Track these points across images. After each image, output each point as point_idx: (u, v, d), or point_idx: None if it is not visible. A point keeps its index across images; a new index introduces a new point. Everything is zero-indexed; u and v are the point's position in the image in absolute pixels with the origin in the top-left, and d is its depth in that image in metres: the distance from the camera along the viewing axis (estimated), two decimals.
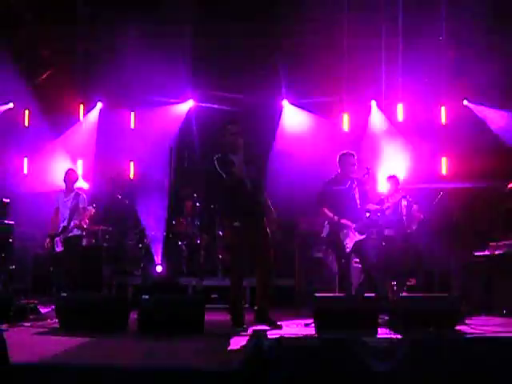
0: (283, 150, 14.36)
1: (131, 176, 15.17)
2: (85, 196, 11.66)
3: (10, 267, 11.96)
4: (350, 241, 10.02)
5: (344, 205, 10.06)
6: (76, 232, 11.45)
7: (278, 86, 14.68)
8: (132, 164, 15.26)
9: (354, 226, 10.04)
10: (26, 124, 15.41)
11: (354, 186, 10.19)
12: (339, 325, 8.00)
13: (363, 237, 10.12)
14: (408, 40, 13.68)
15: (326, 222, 10.26)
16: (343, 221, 9.99)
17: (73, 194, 11.59)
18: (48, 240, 11.35)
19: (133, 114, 15.38)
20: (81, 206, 11.46)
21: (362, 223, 10.16)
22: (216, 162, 8.95)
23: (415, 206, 11.54)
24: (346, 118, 14.63)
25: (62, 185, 11.73)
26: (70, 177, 11.71)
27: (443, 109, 14.22)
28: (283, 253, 13.75)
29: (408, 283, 11.83)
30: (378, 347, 6.99)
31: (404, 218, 11.03)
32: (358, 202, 10.20)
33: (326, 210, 10.15)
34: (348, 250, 10.02)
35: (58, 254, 11.31)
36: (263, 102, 14.90)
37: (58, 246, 11.31)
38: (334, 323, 8.17)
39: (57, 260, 11.36)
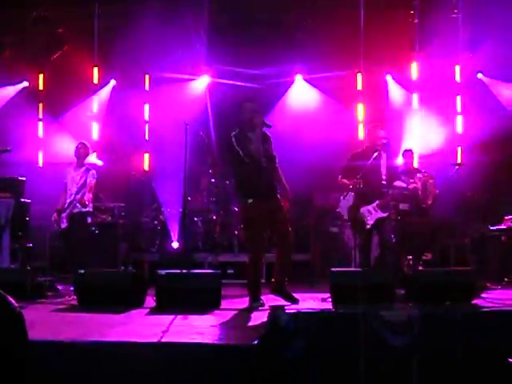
0: (295, 125, 14.30)
1: (146, 153, 15.18)
2: (94, 172, 11.34)
3: (27, 245, 11.97)
4: (371, 218, 9.99)
5: (368, 179, 9.90)
6: (81, 208, 11.14)
7: (293, 61, 14.59)
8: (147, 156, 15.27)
9: (376, 202, 10.01)
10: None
11: (380, 159, 10.07)
12: (356, 299, 8.02)
13: (385, 215, 10.05)
14: (424, 15, 13.57)
15: (342, 197, 10.21)
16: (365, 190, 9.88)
17: (83, 168, 11.26)
18: (55, 215, 11.13)
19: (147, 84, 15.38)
20: (88, 180, 11.15)
21: (385, 200, 10.09)
22: (233, 139, 8.92)
23: (431, 181, 11.44)
24: (360, 82, 14.51)
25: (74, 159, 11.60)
26: (80, 151, 11.40)
27: (458, 68, 14.07)
28: (298, 228, 13.78)
29: (424, 257, 11.82)
30: (394, 321, 7.02)
31: (419, 192, 10.94)
32: (383, 177, 10.10)
33: (345, 181, 10.06)
34: (368, 226, 9.99)
35: (64, 231, 11.13)
36: (279, 78, 14.85)
37: (63, 222, 11.09)
38: (350, 297, 8.20)
39: (62, 236, 11.24)
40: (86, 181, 11.13)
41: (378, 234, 10.15)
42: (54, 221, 11.14)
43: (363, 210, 9.99)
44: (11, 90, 15.38)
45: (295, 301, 9.04)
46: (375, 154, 9.96)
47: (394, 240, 10.57)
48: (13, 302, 4.42)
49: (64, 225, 11.07)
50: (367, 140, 10.36)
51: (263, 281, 9.90)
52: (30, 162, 14.51)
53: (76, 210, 11.08)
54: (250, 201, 8.98)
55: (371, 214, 9.96)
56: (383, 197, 10.04)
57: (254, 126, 8.96)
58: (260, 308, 8.62)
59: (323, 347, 6.77)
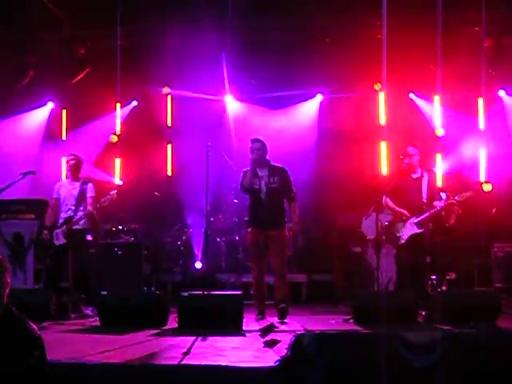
0: (321, 146, 14.31)
1: (169, 173, 15.21)
2: (92, 185, 11.06)
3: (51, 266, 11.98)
4: (406, 233, 9.99)
5: (407, 197, 10.13)
6: (83, 225, 10.81)
7: (314, 81, 14.58)
8: (170, 161, 15.29)
9: (414, 218, 9.98)
10: (64, 122, 15.56)
11: (422, 178, 10.23)
12: (378, 320, 7.98)
13: (420, 231, 10.01)
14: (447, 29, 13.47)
15: (365, 218, 10.29)
16: (403, 211, 10.06)
17: (79, 182, 11.00)
18: (46, 232, 10.81)
19: (169, 110, 15.44)
20: (89, 195, 10.87)
21: (423, 217, 10.03)
22: (241, 174, 10.03)
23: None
24: (383, 111, 14.45)
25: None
26: (74, 164, 11.10)
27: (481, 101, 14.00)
28: (321, 248, 13.78)
29: (447, 277, 11.76)
30: (417, 342, 6.98)
31: (442, 212, 10.90)
32: (423, 195, 10.17)
33: (389, 201, 10.22)
34: (402, 241, 9.99)
35: (61, 247, 10.75)
36: (300, 98, 14.88)
37: (58, 239, 10.73)
38: (373, 318, 8.17)
39: (57, 253, 10.83)
40: (85, 195, 10.88)
41: (410, 250, 10.09)
42: (45, 237, 10.83)
43: (400, 225, 10.01)
44: (39, 114, 15.50)
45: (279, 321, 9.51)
46: (417, 174, 10.21)
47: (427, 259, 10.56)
48: (32, 325, 4.46)
49: (60, 241, 10.74)
50: (406, 158, 10.37)
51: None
52: (55, 183, 14.59)
53: (77, 227, 10.76)
54: (249, 229, 10.00)
55: (407, 229, 9.96)
56: (421, 214, 10.01)
57: (262, 163, 9.89)
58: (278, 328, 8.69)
59: (345, 368, 6.74)
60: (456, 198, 9.90)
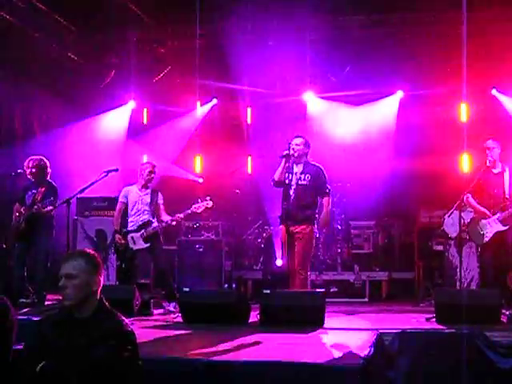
0: (401, 143, 14.19)
1: (249, 171, 15.30)
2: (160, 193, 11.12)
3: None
4: (491, 231, 9.84)
5: (489, 193, 9.94)
6: (156, 227, 10.79)
7: (394, 77, 14.46)
8: (250, 159, 15.39)
9: (497, 215, 9.82)
10: (145, 122, 15.81)
11: (503, 173, 10.01)
12: (461, 319, 7.90)
13: (505, 228, 9.81)
14: None
15: (447, 215, 10.17)
16: (485, 211, 9.88)
17: (149, 190, 11.00)
18: (119, 237, 10.83)
19: (249, 109, 15.53)
20: (160, 201, 10.94)
21: (507, 213, 9.81)
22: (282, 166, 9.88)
23: None
24: (464, 108, 14.23)
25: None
26: (152, 173, 11.00)
27: None
28: (402, 246, 13.70)
29: None
30: (501, 343, 6.91)
31: None
32: (506, 191, 9.94)
33: (471, 200, 10.02)
34: (487, 239, 9.83)
35: (137, 251, 10.84)
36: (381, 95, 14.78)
37: (136, 243, 10.77)
38: (455, 318, 8.09)
39: (133, 257, 10.90)
40: (156, 201, 10.91)
41: (494, 248, 9.93)
42: (119, 241, 10.85)
43: (483, 222, 9.85)
44: (121, 112, 15.76)
45: None
46: (498, 170, 10.00)
47: None
48: (125, 320, 4.60)
49: (139, 245, 10.77)
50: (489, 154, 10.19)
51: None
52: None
53: (153, 230, 10.77)
54: (281, 226, 9.89)
55: (491, 226, 9.81)
56: (504, 210, 9.84)
57: (299, 159, 9.85)
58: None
59: (427, 368, 6.71)
60: None
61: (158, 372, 5.74)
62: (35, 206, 10.39)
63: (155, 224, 10.78)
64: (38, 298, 10.56)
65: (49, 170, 10.94)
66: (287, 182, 9.79)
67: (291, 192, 9.73)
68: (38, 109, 14.92)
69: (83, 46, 14.74)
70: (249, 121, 15.60)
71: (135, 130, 15.72)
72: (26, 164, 10.85)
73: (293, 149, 9.75)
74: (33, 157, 10.96)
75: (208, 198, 10.93)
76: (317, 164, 9.97)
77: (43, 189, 10.69)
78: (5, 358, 4.82)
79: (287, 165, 9.79)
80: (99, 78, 15.28)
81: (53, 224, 10.81)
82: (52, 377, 4.42)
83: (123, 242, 10.77)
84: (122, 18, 13.74)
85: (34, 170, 10.76)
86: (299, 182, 9.73)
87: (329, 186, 9.90)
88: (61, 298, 4.70)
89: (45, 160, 10.94)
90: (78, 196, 10.82)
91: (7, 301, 5.00)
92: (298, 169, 9.82)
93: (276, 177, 9.84)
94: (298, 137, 9.96)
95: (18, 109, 14.37)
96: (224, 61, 13.97)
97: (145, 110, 15.82)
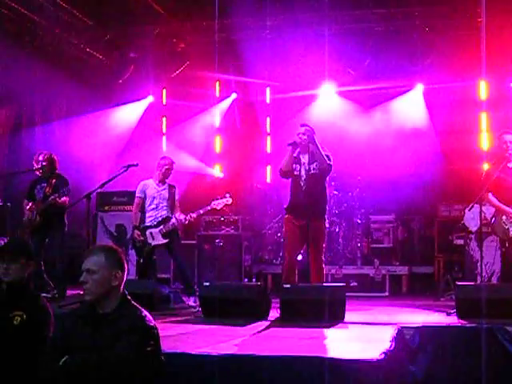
0: (421, 136, 14.14)
1: (268, 180, 15.34)
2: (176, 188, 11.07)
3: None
4: None
5: (509, 188, 9.66)
6: (175, 222, 10.69)
7: (413, 71, 14.42)
8: (269, 168, 15.40)
9: None
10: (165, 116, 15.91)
11: None
12: (482, 314, 7.86)
13: None
14: None
15: (467, 209, 10.08)
16: (507, 209, 9.60)
17: (166, 185, 10.89)
18: (138, 233, 10.72)
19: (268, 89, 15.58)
20: (177, 197, 10.89)
21: None
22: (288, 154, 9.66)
23: None
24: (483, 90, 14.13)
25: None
26: (170, 168, 10.92)
27: None
28: (422, 240, 13.67)
29: None
30: None
31: None
32: None
33: (492, 198, 9.79)
34: (511, 234, 9.62)
35: (158, 247, 10.78)
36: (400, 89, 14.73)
37: (155, 239, 10.67)
38: (476, 312, 8.05)
39: (151, 252, 10.82)
40: (174, 197, 10.86)
41: None
42: (138, 237, 10.75)
43: (505, 217, 9.72)
44: (139, 107, 15.81)
45: None
46: None
47: None
48: (148, 315, 4.63)
49: (158, 241, 10.68)
50: (497, 147, 10.06)
51: None
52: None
53: (173, 226, 10.71)
54: (286, 216, 9.86)
55: None
56: None
57: (305, 149, 9.57)
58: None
59: (448, 362, 6.69)
60: None
61: (179, 366, 5.76)
62: (51, 197, 10.45)
63: (174, 220, 10.71)
64: (59, 293, 10.60)
65: (57, 164, 10.99)
66: (296, 173, 9.62)
67: (302, 183, 9.58)
68: (58, 98, 14.95)
69: (102, 42, 14.81)
70: (268, 100, 15.63)
71: (155, 125, 15.80)
72: (35, 158, 10.89)
73: (299, 137, 9.58)
74: (42, 151, 11.05)
75: (228, 195, 10.87)
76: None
77: (54, 180, 10.78)
78: (42, 349, 4.92)
79: (294, 154, 9.62)
80: (119, 72, 15.34)
81: (65, 218, 10.87)
82: (75, 371, 4.45)
83: (141, 238, 10.70)
84: (141, 12, 13.80)
85: (44, 164, 10.80)
86: (310, 172, 9.54)
87: (331, 157, 9.68)
88: (81, 292, 4.73)
89: (53, 155, 10.99)
90: (98, 191, 10.86)
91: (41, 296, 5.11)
92: (305, 159, 9.61)
93: (283, 166, 9.70)
94: (302, 125, 9.74)
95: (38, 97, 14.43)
96: (243, 55, 14.00)
97: (164, 104, 15.92)
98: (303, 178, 9.58)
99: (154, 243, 10.72)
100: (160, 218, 10.75)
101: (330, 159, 9.62)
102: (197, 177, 14.93)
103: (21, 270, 5.51)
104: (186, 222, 10.87)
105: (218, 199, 10.81)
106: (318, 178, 9.61)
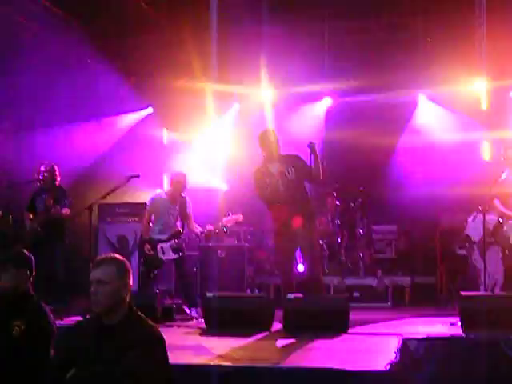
0: (421, 145, 14.12)
1: None
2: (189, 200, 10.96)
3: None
4: None
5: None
6: (186, 237, 10.70)
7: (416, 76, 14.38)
8: None
9: None
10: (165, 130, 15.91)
11: None
12: (487, 324, 7.83)
13: None
14: None
15: (471, 218, 10.07)
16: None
17: (179, 198, 10.80)
18: (149, 247, 10.59)
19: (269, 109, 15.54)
20: (189, 210, 10.75)
21: None
22: (253, 176, 9.63)
23: None
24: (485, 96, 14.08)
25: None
26: (182, 185, 10.82)
27: None
28: (424, 250, 13.65)
29: None
30: None
31: None
32: None
33: (498, 204, 9.85)
34: None
35: (176, 261, 10.72)
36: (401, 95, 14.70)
37: (165, 253, 10.58)
38: (480, 322, 8.02)
39: (162, 266, 10.80)
40: (185, 210, 10.74)
41: None
42: (148, 251, 10.60)
43: (510, 224, 9.70)
44: (135, 117, 15.79)
45: None
46: None
47: None
48: (155, 326, 4.59)
49: (169, 256, 10.60)
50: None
51: None
52: (155, 187, 14.81)
53: (182, 241, 10.67)
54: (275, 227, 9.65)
55: None
56: None
57: (272, 157, 9.39)
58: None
59: (453, 373, 6.67)
60: None
61: (182, 378, 5.72)
62: (53, 209, 10.47)
63: (184, 235, 10.68)
64: (60, 305, 10.57)
65: (58, 176, 11.02)
66: (270, 187, 9.33)
67: (281, 192, 9.28)
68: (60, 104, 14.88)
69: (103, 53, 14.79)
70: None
71: (155, 136, 15.80)
72: (37, 169, 10.98)
73: (264, 149, 9.48)
74: (44, 162, 11.12)
75: (240, 215, 11.01)
76: (290, 153, 9.57)
77: (54, 192, 10.84)
78: (43, 363, 4.88)
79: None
80: (119, 83, 15.31)
81: (65, 229, 10.89)
82: None
83: (152, 253, 10.58)
84: (137, 21, 13.78)
85: (46, 175, 10.87)
86: (286, 179, 9.27)
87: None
88: (91, 303, 4.65)
89: (55, 166, 11.06)
90: (100, 202, 10.85)
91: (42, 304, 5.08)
92: (274, 168, 9.39)
93: (259, 193, 9.57)
94: (262, 133, 9.64)
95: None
96: (244, 62, 13.97)
97: (164, 115, 15.90)
98: (280, 189, 9.29)
99: (164, 258, 10.65)
100: (170, 233, 10.66)
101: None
102: (201, 189, 14.90)
103: (13, 278, 5.42)
104: (203, 235, 10.94)
105: (229, 215, 10.81)
106: (295, 184, 9.34)
